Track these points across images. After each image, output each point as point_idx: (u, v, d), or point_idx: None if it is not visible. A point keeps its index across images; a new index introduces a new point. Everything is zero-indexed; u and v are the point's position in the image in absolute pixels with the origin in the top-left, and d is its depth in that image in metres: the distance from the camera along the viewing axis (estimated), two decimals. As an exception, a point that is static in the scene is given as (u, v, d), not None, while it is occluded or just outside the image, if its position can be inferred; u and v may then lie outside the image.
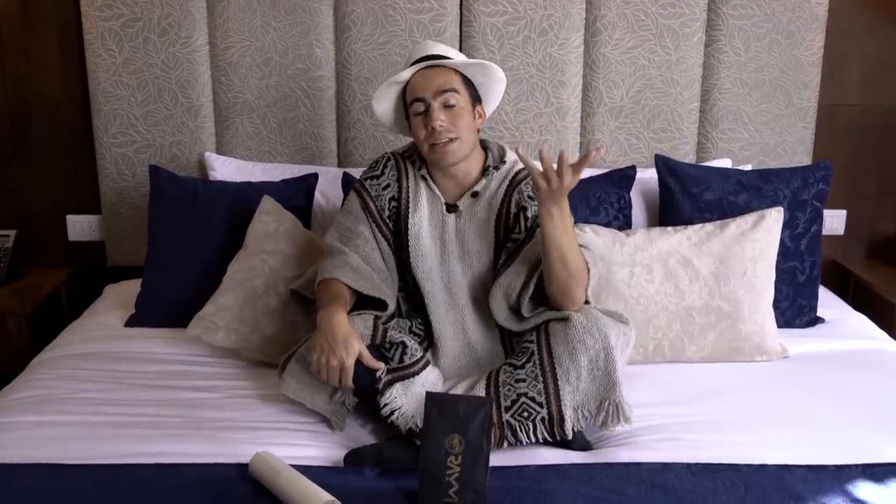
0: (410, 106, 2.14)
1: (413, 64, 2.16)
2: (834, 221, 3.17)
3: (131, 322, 2.58)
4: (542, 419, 1.91)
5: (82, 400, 2.10)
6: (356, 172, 2.67)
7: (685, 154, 2.97)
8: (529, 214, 2.14)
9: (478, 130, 2.20)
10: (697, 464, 1.82)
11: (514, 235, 2.16)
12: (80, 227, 3.14)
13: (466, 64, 2.17)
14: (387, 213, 2.21)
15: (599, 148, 1.97)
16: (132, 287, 2.73)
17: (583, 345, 1.94)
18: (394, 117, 2.27)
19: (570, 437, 1.91)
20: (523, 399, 1.93)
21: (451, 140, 2.10)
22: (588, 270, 2.07)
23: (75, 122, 3.03)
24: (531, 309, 2.09)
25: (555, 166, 1.95)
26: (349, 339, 1.93)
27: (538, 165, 1.96)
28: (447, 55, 2.17)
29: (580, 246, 2.10)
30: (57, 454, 1.85)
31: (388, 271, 2.20)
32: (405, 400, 1.95)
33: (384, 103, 2.23)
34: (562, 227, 1.98)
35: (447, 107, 2.10)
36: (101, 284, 2.96)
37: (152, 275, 2.63)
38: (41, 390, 2.16)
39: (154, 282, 2.61)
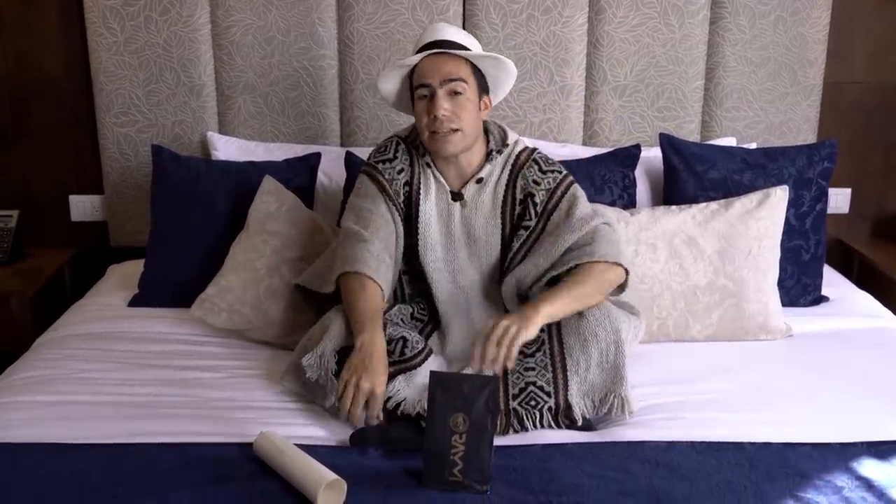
0: (416, 90, 2.09)
1: (423, 48, 2.09)
2: (838, 200, 3.16)
3: (134, 302, 2.57)
4: (549, 408, 1.90)
5: (86, 380, 2.10)
6: (359, 152, 2.66)
7: (689, 133, 2.96)
8: (538, 200, 2.13)
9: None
10: (702, 442, 1.82)
11: (525, 223, 2.14)
12: (82, 207, 3.13)
13: (479, 56, 2.11)
14: (402, 197, 2.17)
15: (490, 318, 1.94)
16: (135, 267, 2.73)
17: (594, 337, 1.94)
18: (398, 97, 2.23)
19: (578, 423, 1.90)
20: (531, 388, 1.92)
21: (453, 131, 2.06)
22: (623, 270, 2.09)
23: (77, 102, 3.02)
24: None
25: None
26: (380, 367, 1.88)
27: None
28: (458, 41, 2.10)
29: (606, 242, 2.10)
30: (61, 434, 1.85)
31: (395, 249, 2.17)
32: (408, 392, 1.93)
33: (390, 83, 2.18)
34: (560, 312, 1.96)
35: (453, 95, 2.05)
36: (103, 265, 2.96)
37: (155, 255, 2.62)
38: (45, 370, 2.16)
39: (157, 262, 2.61)
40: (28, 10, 2.94)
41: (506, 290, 2.13)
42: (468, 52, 2.10)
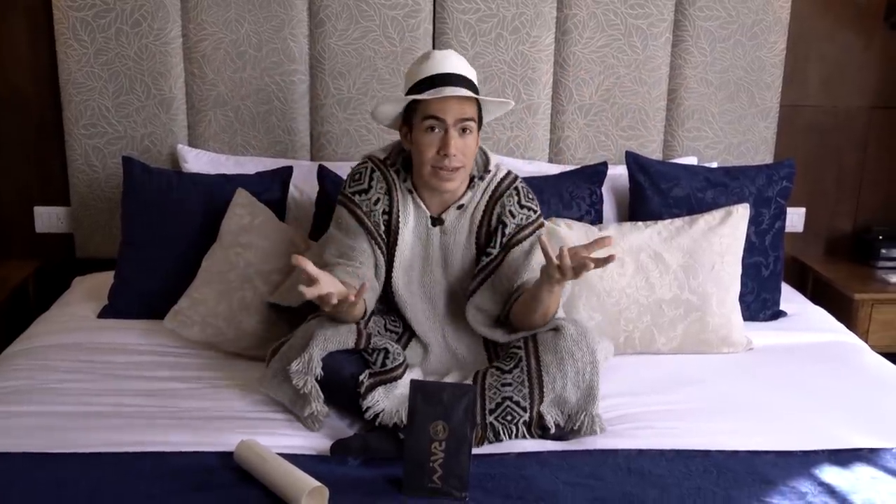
0: (424, 120, 2.04)
1: (431, 78, 2.05)
2: (794, 219, 3.26)
3: (104, 313, 2.57)
4: (524, 422, 1.94)
5: (59, 390, 2.09)
6: (331, 166, 2.69)
7: (652, 152, 3.03)
8: (507, 231, 2.17)
9: None
10: (671, 450, 1.88)
11: (488, 249, 2.17)
12: (47, 218, 3.11)
13: (493, 102, 2.14)
14: (382, 227, 2.16)
15: (606, 239, 1.91)
16: (102, 279, 2.72)
17: (571, 356, 1.98)
18: (392, 118, 2.19)
19: (551, 431, 1.95)
20: (507, 403, 1.95)
21: (457, 169, 2.07)
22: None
23: (44, 113, 3.00)
24: (506, 334, 2.15)
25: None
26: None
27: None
28: (466, 75, 2.08)
29: None
30: (35, 444, 1.84)
31: (376, 281, 2.16)
32: (387, 403, 1.94)
33: (393, 107, 2.15)
34: (555, 295, 2.02)
35: (462, 133, 2.05)
36: (67, 277, 2.94)
37: (126, 266, 2.61)
38: (16, 381, 2.14)
39: (128, 273, 2.60)
40: (-4, 20, 2.93)
41: (474, 320, 2.17)
42: (483, 97, 2.10)
